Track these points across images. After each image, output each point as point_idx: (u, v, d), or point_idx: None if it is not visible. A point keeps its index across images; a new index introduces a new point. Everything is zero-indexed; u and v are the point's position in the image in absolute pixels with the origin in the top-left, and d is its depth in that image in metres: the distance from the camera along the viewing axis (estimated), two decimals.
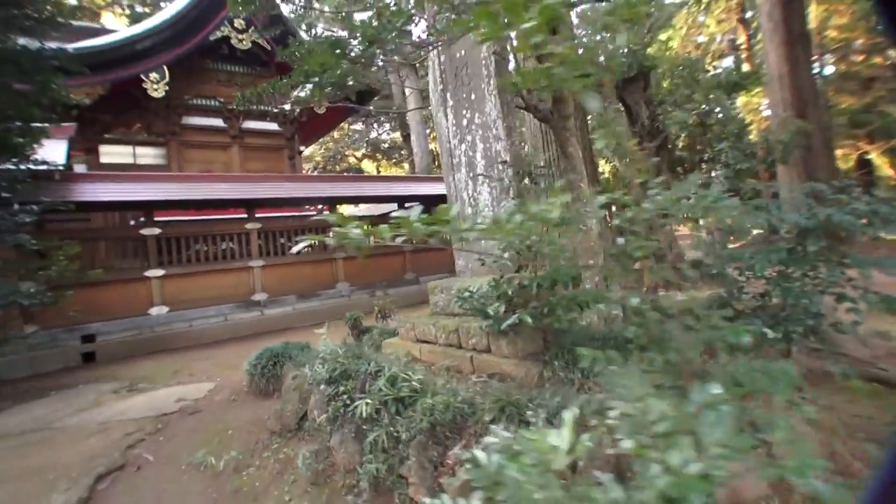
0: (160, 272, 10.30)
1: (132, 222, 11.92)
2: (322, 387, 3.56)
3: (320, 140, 31.86)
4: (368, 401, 2.95)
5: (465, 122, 4.88)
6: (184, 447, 4.24)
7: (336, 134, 31.20)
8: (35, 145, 7.10)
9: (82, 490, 3.50)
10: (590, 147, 10.66)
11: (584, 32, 11.79)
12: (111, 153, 13.53)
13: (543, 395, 2.73)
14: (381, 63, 8.77)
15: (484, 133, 4.71)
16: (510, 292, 3.51)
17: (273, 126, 15.78)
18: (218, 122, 14.85)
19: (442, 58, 5.13)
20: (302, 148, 17.20)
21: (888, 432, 3.45)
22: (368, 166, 36.11)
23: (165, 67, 12.55)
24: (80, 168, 12.42)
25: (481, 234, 2.21)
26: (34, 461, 4.16)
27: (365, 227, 1.39)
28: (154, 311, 10.15)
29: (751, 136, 12.65)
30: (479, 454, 1.25)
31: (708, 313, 1.70)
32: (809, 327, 3.98)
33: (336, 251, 12.86)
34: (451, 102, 5.03)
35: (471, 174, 4.89)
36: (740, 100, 20.65)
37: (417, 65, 13.29)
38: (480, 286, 3.93)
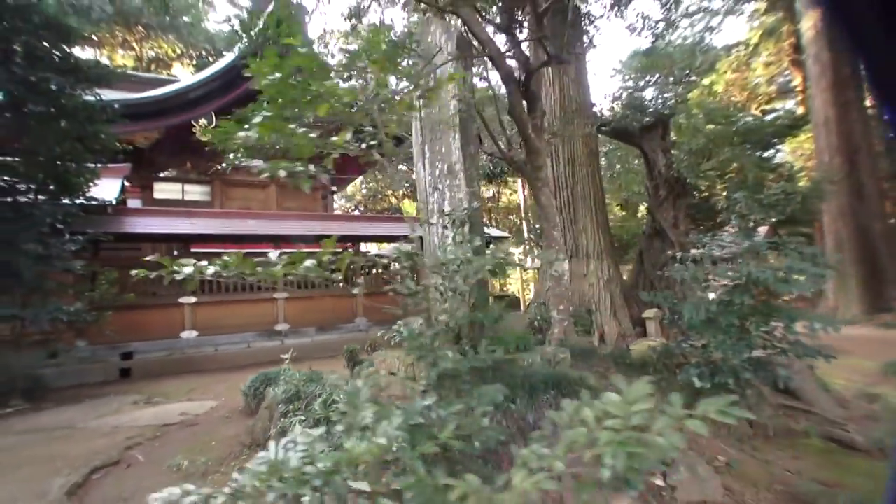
0: (192, 299, 11.27)
1: (175, 252, 13.12)
2: (280, 406, 4.05)
3: (363, 179, 33.61)
4: (302, 418, 3.42)
5: (437, 172, 5.44)
6: (170, 453, 4.80)
7: (380, 174, 32.71)
8: (89, 184, 8.22)
9: (79, 477, 4.10)
10: (599, 193, 10.96)
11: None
12: (164, 190, 15.01)
13: None
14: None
15: (451, 182, 5.24)
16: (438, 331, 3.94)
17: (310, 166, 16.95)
18: (258, 162, 16.13)
19: (422, 113, 5.76)
20: (335, 189, 18.30)
21: (813, 488, 3.58)
22: (409, 206, 37.35)
23: (213, 114, 13.97)
24: (135, 203, 13.89)
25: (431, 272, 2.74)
26: (52, 451, 4.85)
27: (198, 267, 1.90)
28: (185, 334, 11.05)
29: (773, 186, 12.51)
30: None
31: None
32: (744, 379, 4.16)
33: (356, 288, 13.56)
34: (427, 154, 5.61)
35: (440, 220, 5.41)
36: (788, 145, 20.25)
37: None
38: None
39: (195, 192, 15.38)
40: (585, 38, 12.15)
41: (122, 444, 5.09)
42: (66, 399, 7.43)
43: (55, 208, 7.03)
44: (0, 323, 6.59)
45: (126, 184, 12.04)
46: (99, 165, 10.18)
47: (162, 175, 14.88)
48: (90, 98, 7.49)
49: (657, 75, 12.57)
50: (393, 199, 35.46)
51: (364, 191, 33.08)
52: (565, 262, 5.82)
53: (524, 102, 5.59)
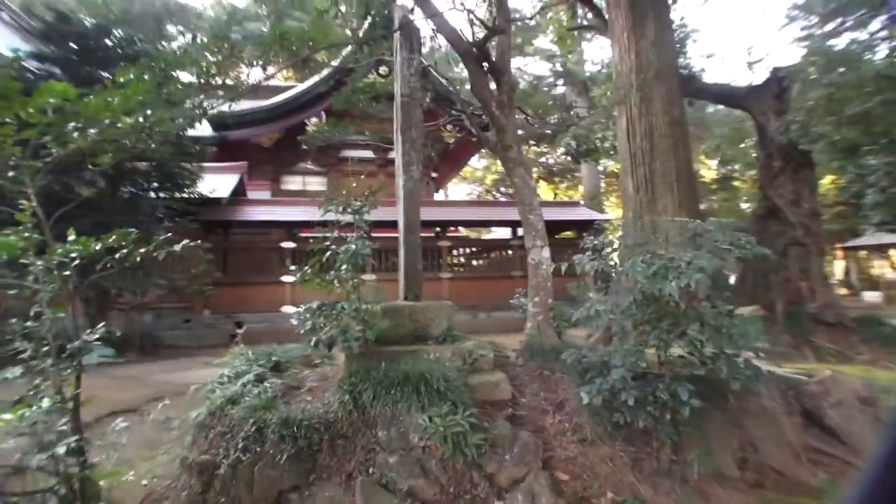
0: (292, 279, 12.73)
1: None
2: None
3: (488, 163, 33.77)
4: None
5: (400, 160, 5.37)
6: (177, 408, 5.65)
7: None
8: (195, 182, 9.90)
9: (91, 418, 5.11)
10: (685, 167, 9.40)
11: None
12: (289, 182, 17.11)
13: None
14: None
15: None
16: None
17: None
18: (368, 153, 17.39)
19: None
20: (434, 174, 18.74)
21: None
22: (544, 189, 36.38)
23: (323, 113, 15.41)
24: (265, 194, 16.14)
25: None
26: (105, 395, 6.04)
27: None
28: (284, 308, 12.55)
29: None
30: None
31: None
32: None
33: (443, 271, 13.86)
34: (400, 140, 5.55)
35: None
36: None
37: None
38: None
39: (314, 182, 17.21)
40: None
41: (156, 394, 6.11)
42: (167, 355, 9.09)
43: (154, 201, 8.68)
44: (112, 290, 8.35)
45: (244, 179, 14.05)
46: (218, 165, 12.13)
47: (287, 169, 16.94)
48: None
49: None
50: None
51: (492, 175, 33.13)
52: (544, 250, 5.21)
53: (490, 77, 5.14)
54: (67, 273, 2.53)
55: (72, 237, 2.59)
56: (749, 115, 10.32)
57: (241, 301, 12.10)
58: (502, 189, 32.43)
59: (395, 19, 5.22)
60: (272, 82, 22.14)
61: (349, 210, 4.23)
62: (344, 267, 3.83)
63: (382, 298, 4.83)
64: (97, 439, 4.54)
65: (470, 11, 5.24)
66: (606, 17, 10.73)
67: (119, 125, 3.18)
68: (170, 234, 7.35)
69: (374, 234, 14.51)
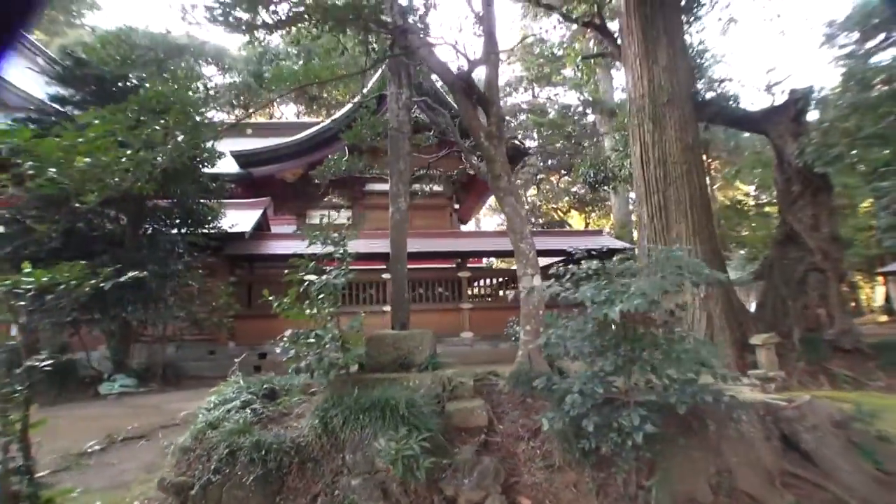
0: (361, 311, 13.13)
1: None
2: None
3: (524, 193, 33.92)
4: None
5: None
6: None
7: (534, 189, 32.69)
8: (216, 218, 10.48)
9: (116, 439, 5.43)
10: (699, 193, 9.30)
11: None
12: (314, 216, 17.74)
13: None
14: None
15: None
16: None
17: (437, 187, 18.08)
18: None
19: None
20: (457, 206, 19.01)
21: None
22: (576, 218, 36.15)
23: (346, 148, 16.05)
24: (290, 229, 16.77)
25: None
26: (120, 423, 6.38)
27: None
28: None
29: None
30: None
31: None
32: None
33: (463, 301, 13.95)
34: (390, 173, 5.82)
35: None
36: None
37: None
38: None
39: (340, 217, 17.78)
40: (686, 17, 10.57)
41: (165, 422, 6.42)
42: (189, 386, 9.47)
43: (174, 237, 9.21)
44: (134, 323, 8.82)
45: (267, 214, 14.69)
46: (242, 201, 12.85)
47: (312, 204, 17.58)
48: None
49: None
50: (557, 213, 34.81)
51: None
52: (535, 278, 5.26)
53: (481, 108, 5.35)
54: (23, 303, 2.65)
55: (27, 269, 2.62)
56: (768, 138, 10.20)
57: (266, 333, 12.45)
58: (532, 220, 32.45)
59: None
60: (298, 119, 23.25)
61: (329, 241, 4.44)
62: (321, 297, 4.02)
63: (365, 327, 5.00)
64: (103, 464, 4.87)
65: (454, 44, 5.48)
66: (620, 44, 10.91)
67: (81, 164, 3.41)
68: (183, 269, 7.78)
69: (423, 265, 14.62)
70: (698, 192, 9.29)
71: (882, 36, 10.94)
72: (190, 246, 9.56)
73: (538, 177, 32.03)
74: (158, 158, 4.42)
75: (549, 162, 30.79)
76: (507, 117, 32.97)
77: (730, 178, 20.67)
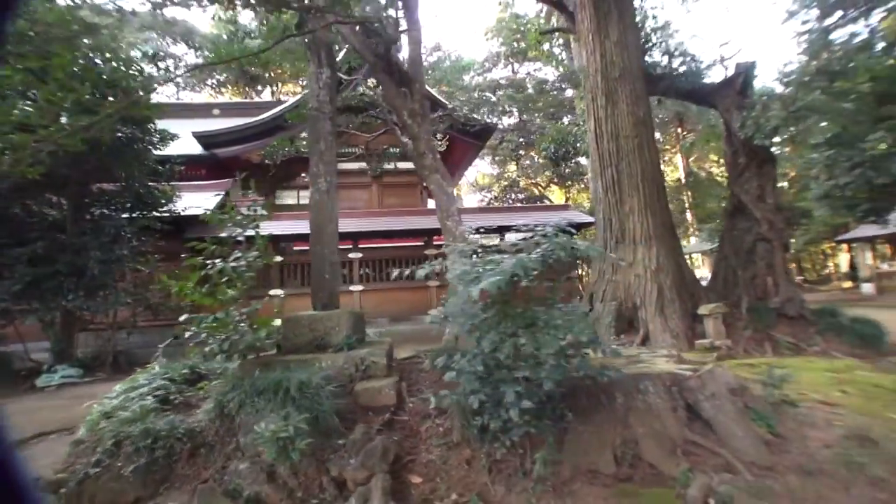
0: (281, 293, 13.04)
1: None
2: None
3: (500, 170, 33.79)
4: None
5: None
6: None
7: (514, 165, 32.50)
8: (170, 202, 10.27)
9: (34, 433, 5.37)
10: (650, 167, 9.26)
11: None
12: (284, 197, 17.53)
13: None
14: None
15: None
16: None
17: (408, 165, 17.89)
18: (363, 165, 17.67)
19: None
20: (425, 184, 18.86)
21: None
22: (557, 193, 36.03)
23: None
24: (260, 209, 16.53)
25: None
26: (54, 415, 6.23)
27: None
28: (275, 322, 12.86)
29: None
30: None
31: None
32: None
33: (430, 280, 13.94)
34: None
35: None
36: None
37: None
38: None
39: (308, 196, 17.57)
40: None
41: None
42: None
43: (120, 221, 9.01)
44: (77, 311, 8.63)
45: (229, 195, 14.46)
46: (203, 183, 12.63)
47: (282, 184, 17.34)
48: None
49: None
50: (536, 189, 34.61)
51: (499, 182, 33.10)
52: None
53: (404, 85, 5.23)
54: None
55: None
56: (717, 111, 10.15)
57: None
58: (512, 195, 32.28)
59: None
60: (265, 99, 22.73)
61: (239, 223, 4.36)
62: (224, 281, 3.96)
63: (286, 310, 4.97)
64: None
65: (365, 22, 5.28)
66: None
67: None
68: (129, 254, 7.54)
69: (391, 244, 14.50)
70: (650, 166, 9.26)
71: (839, 13, 10.92)
72: (141, 230, 9.37)
73: (518, 152, 31.82)
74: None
75: (530, 137, 30.53)
76: (487, 93, 32.58)
77: (685, 151, 20.83)
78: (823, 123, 7.42)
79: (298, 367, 4.00)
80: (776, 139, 8.34)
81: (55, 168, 6.50)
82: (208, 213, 4.65)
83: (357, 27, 5.52)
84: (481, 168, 39.01)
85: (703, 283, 10.68)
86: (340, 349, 4.44)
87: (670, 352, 5.16)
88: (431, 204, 26.34)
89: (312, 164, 5.21)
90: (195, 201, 11.92)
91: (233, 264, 3.99)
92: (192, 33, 25.70)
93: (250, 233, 4.68)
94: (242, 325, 4.02)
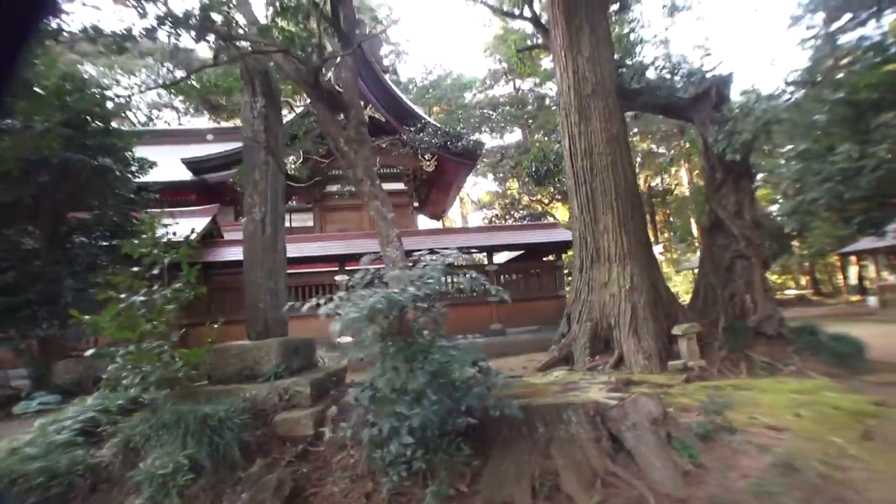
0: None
1: None
2: None
3: (502, 187, 33.79)
4: None
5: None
6: None
7: (516, 182, 32.48)
8: (151, 229, 10.43)
9: None
10: (624, 185, 9.17)
11: None
12: None
13: None
14: None
15: None
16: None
17: (398, 185, 18.03)
18: (352, 187, 17.83)
19: None
20: (416, 204, 18.90)
21: None
22: (561, 210, 35.86)
23: (301, 151, 15.98)
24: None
25: None
26: None
27: None
28: None
29: None
30: None
31: None
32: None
33: None
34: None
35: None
36: None
37: None
38: None
39: (301, 218, 17.76)
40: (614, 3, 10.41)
41: None
42: None
43: (95, 250, 9.17)
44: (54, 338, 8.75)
45: (217, 220, 14.68)
46: (192, 209, 12.87)
47: None
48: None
49: None
50: (538, 206, 34.45)
51: (499, 200, 33.09)
52: None
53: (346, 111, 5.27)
54: None
55: None
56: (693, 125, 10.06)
57: (223, 339, 12.47)
58: (513, 213, 32.20)
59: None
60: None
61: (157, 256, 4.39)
62: (142, 313, 3.99)
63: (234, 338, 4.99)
64: None
65: (285, 51, 5.32)
66: None
67: None
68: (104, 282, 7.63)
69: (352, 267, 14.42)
70: (623, 184, 9.18)
71: (848, 16, 10.81)
72: (122, 258, 9.52)
73: (517, 169, 31.82)
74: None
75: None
76: (485, 110, 32.77)
77: (665, 167, 20.78)
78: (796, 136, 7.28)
79: (219, 398, 3.99)
80: (753, 153, 8.18)
81: (21, 198, 6.68)
82: (125, 243, 4.68)
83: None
84: (486, 186, 39.24)
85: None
86: (268, 379, 4.42)
87: (610, 378, 5.02)
88: (438, 223, 26.35)
89: (247, 194, 5.24)
90: (185, 227, 12.12)
91: (142, 298, 4.01)
92: (191, 59, 26.34)
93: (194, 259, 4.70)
94: (164, 355, 4.02)
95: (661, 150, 31.12)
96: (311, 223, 17.70)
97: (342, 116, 5.45)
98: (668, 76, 9.26)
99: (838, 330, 9.59)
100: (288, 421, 3.98)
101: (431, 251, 3.67)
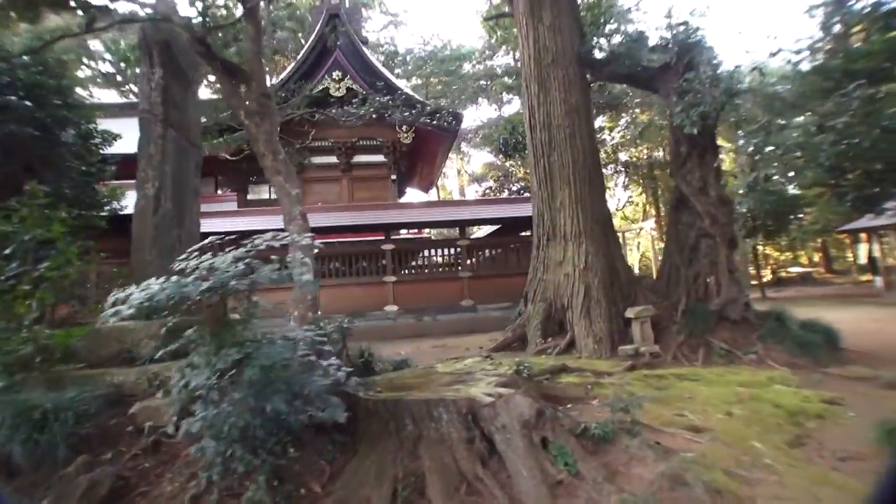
0: None
1: None
2: None
3: (496, 161, 33.01)
4: None
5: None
6: None
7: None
8: (116, 200, 10.22)
9: None
10: (582, 159, 8.68)
11: None
12: (256, 191, 17.44)
13: None
14: None
15: None
16: None
17: (378, 158, 17.59)
18: (332, 159, 17.43)
19: None
20: (393, 177, 18.39)
21: None
22: None
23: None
24: (231, 205, 16.46)
25: None
26: None
27: None
28: None
29: None
30: None
31: None
32: None
33: (387, 275, 13.63)
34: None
35: None
36: None
37: None
38: None
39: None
40: None
41: None
42: None
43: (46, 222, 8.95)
44: None
45: None
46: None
47: (253, 179, 17.24)
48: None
49: None
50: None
51: (492, 173, 32.44)
52: (306, 261, 4.88)
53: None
54: None
55: None
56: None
57: None
58: (509, 187, 31.46)
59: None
60: None
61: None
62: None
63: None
64: None
65: (163, 19, 4.89)
66: None
67: None
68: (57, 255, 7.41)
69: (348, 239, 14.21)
70: (582, 158, 8.70)
71: None
72: (82, 229, 9.36)
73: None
74: None
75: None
76: (483, 81, 31.78)
77: (638, 139, 20.23)
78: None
79: (85, 384, 3.77)
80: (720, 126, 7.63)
81: None
82: None
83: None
84: (484, 158, 38.32)
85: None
86: (144, 363, 4.18)
87: (513, 365, 4.67)
88: (427, 195, 25.91)
89: (140, 168, 4.92)
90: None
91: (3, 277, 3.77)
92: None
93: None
94: (13, 338, 3.78)
95: (665, 121, 30.06)
96: None
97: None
98: (633, 44, 8.63)
99: (833, 314, 9.11)
100: (148, 409, 3.73)
101: (274, 233, 3.33)
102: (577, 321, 8.06)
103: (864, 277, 22.34)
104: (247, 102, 4.93)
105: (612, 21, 9.17)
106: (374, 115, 13.56)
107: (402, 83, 18.44)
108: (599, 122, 24.59)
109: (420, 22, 73.34)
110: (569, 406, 4.85)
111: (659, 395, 5.38)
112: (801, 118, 5.76)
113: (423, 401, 3.63)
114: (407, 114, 14.74)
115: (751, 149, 6.69)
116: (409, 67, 34.14)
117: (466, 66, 33.42)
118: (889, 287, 16.61)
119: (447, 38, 37.15)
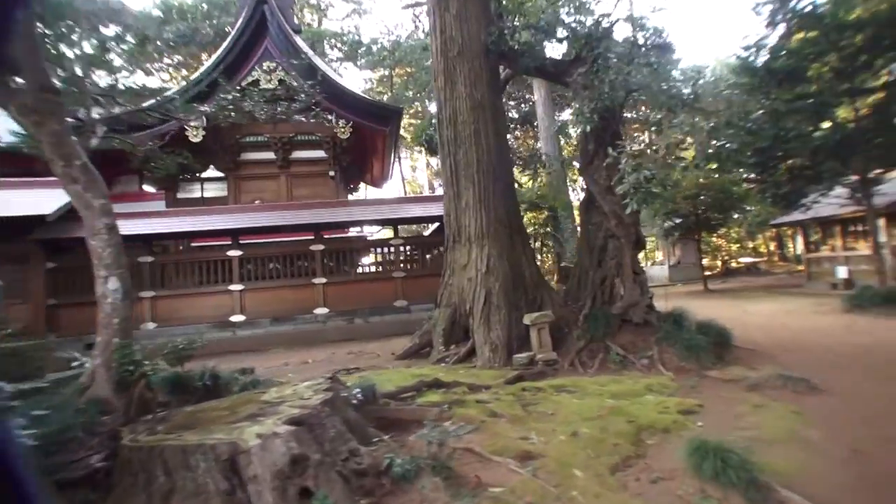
0: (151, 293, 12.32)
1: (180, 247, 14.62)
2: None
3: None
4: None
5: None
6: None
7: None
8: None
9: None
10: (488, 157, 8.23)
11: None
12: (187, 189, 16.69)
13: None
14: None
15: None
16: None
17: (318, 153, 16.94)
18: (269, 155, 16.72)
19: None
20: (332, 174, 17.76)
21: None
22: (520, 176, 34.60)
23: (204, 118, 14.76)
24: (159, 204, 15.70)
25: None
26: None
27: None
28: (143, 326, 12.09)
29: None
30: None
31: None
32: None
33: (317, 276, 13.09)
34: None
35: None
36: None
37: None
38: None
39: (214, 188, 16.72)
40: None
41: None
42: None
43: None
44: None
45: None
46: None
47: (182, 176, 16.42)
48: None
49: None
50: None
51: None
52: (110, 280, 4.36)
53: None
54: None
55: None
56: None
57: (94, 321, 11.72)
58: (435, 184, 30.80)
59: None
60: (153, 85, 21.73)
61: None
62: None
63: None
64: None
65: None
66: None
67: None
68: None
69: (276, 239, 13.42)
70: (487, 156, 8.25)
71: None
72: None
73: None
74: None
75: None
76: None
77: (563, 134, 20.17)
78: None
79: None
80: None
81: None
82: None
83: None
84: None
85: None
86: None
87: (316, 385, 4.16)
88: (380, 191, 25.24)
89: None
90: (42, 201, 11.15)
91: None
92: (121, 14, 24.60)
93: None
94: None
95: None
96: (225, 193, 16.64)
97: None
98: (541, 35, 8.17)
99: (755, 305, 8.67)
100: None
101: None
102: (476, 328, 7.66)
103: (800, 268, 22.79)
104: (19, 98, 4.27)
105: (522, 10, 8.63)
106: (302, 109, 12.90)
107: (335, 76, 17.73)
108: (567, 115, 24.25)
109: (385, 10, 72.37)
110: (412, 433, 4.41)
111: (518, 413, 5.00)
112: (680, 118, 5.36)
113: (179, 447, 3.15)
114: (342, 108, 14.15)
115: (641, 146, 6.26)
116: (374, 58, 33.27)
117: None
118: (810, 278, 17.07)
119: (411, 28, 36.11)
